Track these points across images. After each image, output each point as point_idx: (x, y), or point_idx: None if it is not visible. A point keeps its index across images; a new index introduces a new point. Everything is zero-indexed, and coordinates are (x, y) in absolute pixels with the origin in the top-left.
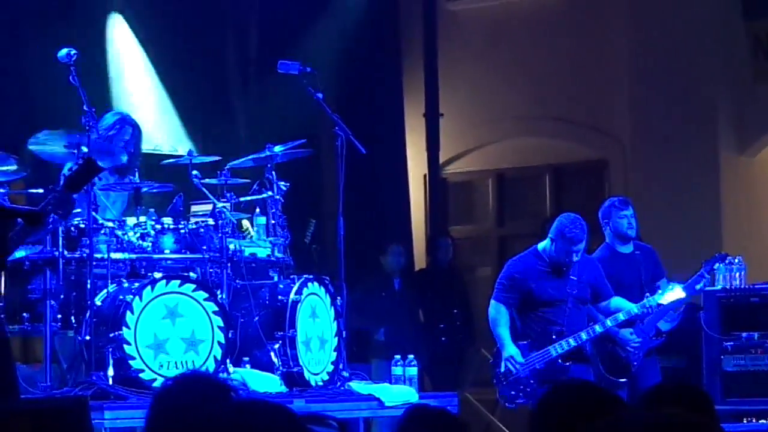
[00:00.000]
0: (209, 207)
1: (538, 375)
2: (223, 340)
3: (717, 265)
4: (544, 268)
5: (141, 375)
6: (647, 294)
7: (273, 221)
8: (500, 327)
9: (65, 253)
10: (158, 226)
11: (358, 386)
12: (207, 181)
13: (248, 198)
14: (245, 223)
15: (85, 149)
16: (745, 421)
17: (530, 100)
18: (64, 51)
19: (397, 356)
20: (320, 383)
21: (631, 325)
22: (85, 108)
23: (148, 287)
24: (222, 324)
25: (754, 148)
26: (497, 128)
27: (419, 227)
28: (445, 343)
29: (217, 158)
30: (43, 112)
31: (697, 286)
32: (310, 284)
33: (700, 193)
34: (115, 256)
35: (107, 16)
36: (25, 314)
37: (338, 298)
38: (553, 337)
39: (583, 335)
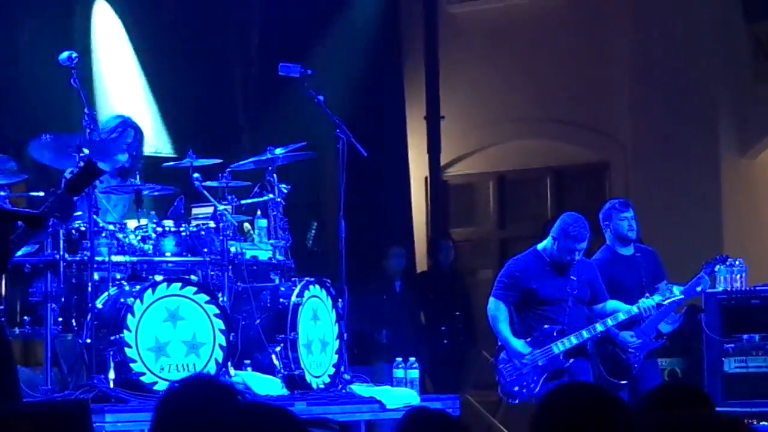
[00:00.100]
0: (210, 209)
1: (540, 371)
2: (224, 343)
3: (718, 267)
4: (545, 267)
5: (142, 378)
6: (647, 296)
7: (274, 224)
8: (500, 323)
9: (66, 256)
10: (159, 229)
11: (359, 389)
12: (208, 183)
13: (249, 201)
14: (246, 225)
15: (86, 151)
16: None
17: (531, 102)
18: (65, 54)
19: (399, 359)
20: (321, 386)
21: (632, 326)
22: (86, 110)
23: (149, 290)
24: (223, 327)
25: (755, 149)
26: (498, 130)
27: (420, 229)
28: (447, 346)
29: (218, 161)
30: (44, 113)
31: (698, 288)
32: (311, 287)
33: (701, 195)
34: (116, 258)
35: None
36: (26, 317)
37: (339, 300)
38: (555, 334)
39: (585, 333)
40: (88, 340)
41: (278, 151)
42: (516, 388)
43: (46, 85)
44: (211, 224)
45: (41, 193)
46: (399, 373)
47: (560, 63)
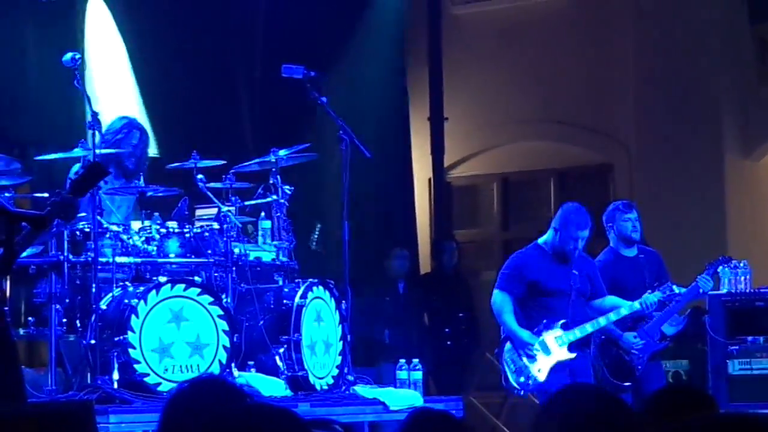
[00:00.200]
0: (214, 211)
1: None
2: (228, 344)
3: (721, 268)
4: (548, 258)
5: (146, 379)
6: (649, 291)
7: (278, 225)
8: (506, 314)
9: (70, 257)
10: (163, 230)
11: (363, 390)
12: (212, 185)
13: (253, 202)
14: (249, 227)
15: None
16: None
17: (535, 103)
18: (68, 55)
19: (402, 360)
20: (325, 387)
21: (635, 328)
22: (90, 111)
23: (153, 291)
24: (227, 328)
25: (759, 151)
26: (502, 132)
27: (424, 231)
28: (450, 347)
29: (222, 162)
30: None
31: (701, 289)
32: (314, 288)
33: (705, 197)
34: (120, 260)
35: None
36: (30, 318)
37: (343, 302)
38: (559, 327)
39: (588, 327)
40: (92, 341)
41: (282, 152)
42: (522, 379)
43: (50, 87)
44: (215, 225)
45: (45, 195)
46: (402, 374)
47: (563, 65)
